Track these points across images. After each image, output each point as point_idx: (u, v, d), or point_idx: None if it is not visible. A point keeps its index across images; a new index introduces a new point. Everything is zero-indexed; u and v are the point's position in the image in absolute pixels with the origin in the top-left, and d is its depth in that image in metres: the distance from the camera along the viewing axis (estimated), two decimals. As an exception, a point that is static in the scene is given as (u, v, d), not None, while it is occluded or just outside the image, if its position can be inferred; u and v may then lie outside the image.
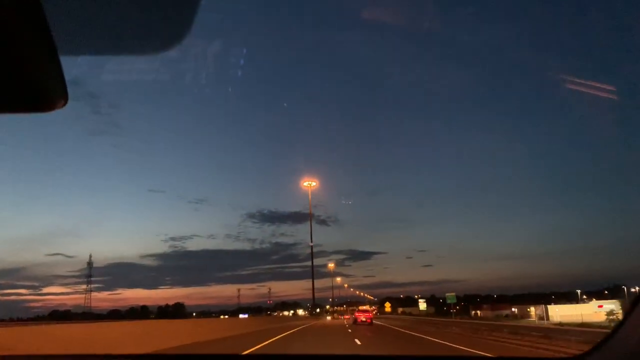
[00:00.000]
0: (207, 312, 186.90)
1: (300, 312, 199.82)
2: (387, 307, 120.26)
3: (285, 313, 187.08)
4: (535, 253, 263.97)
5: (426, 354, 4.17)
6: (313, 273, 55.13)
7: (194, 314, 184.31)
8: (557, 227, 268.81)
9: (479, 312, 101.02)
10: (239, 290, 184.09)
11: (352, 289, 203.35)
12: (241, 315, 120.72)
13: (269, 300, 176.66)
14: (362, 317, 38.31)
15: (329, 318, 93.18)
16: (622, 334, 1.36)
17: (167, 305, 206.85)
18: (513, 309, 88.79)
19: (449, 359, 2.41)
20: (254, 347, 15.02)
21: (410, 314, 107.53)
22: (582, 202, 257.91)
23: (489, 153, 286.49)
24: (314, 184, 59.46)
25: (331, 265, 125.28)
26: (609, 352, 1.40)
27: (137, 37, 1.19)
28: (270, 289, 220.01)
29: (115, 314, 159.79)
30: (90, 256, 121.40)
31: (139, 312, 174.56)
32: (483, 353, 11.08)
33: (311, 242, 52.76)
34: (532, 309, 73.74)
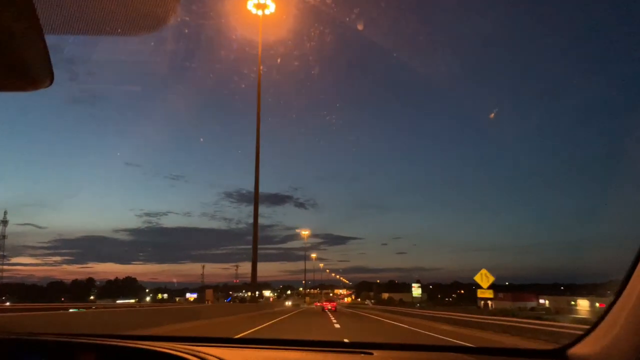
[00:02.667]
0: (163, 289, 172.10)
1: (269, 293, 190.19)
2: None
3: (249, 293, 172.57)
4: (510, 245, 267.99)
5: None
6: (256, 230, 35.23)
7: (147, 289, 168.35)
8: (530, 220, 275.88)
9: (490, 302, 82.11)
10: (203, 267, 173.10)
11: (328, 270, 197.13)
12: (189, 295, 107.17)
13: (236, 280, 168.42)
14: (328, 306, 44.44)
15: (288, 304, 73.61)
16: (603, 327, 1.37)
17: (116, 279, 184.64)
18: (542, 300, 69.70)
19: (432, 347, 1.78)
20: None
21: (401, 302, 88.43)
22: (559, 195, 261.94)
23: (466, 144, 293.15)
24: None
25: (305, 234, 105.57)
26: (590, 345, 1.40)
27: (123, 17, 1.16)
28: (237, 267, 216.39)
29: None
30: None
31: (84, 285, 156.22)
32: (465, 343, 11.54)
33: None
34: (581, 302, 53.58)
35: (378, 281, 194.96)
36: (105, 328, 10.90)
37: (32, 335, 1.76)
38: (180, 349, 1.46)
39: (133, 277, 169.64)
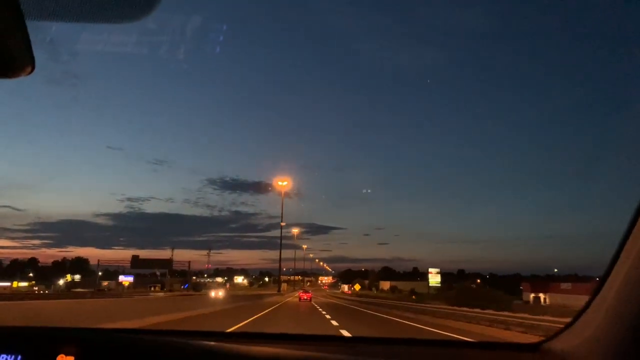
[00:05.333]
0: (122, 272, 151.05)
1: (241, 280, 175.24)
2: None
3: (219, 280, 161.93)
4: (490, 238, 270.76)
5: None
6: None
7: (100, 273, 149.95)
8: (513, 213, 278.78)
9: (531, 295, 60.97)
10: (172, 250, 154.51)
11: (311, 255, 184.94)
12: (122, 278, 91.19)
13: (208, 265, 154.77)
14: (304, 296, 45.93)
15: (219, 295, 50.93)
16: (584, 319, 1.37)
17: (64, 260, 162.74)
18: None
19: (411, 341, 1.92)
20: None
21: (414, 293, 66.65)
22: (542, 189, 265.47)
23: (450, 137, 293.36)
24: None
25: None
26: (570, 337, 1.40)
27: (107, 4, 1.15)
28: (209, 251, 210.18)
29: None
30: None
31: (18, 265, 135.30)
32: (465, 338, 10.95)
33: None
34: None
35: (363, 269, 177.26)
36: None
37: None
38: (165, 341, 1.44)
39: (85, 257, 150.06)
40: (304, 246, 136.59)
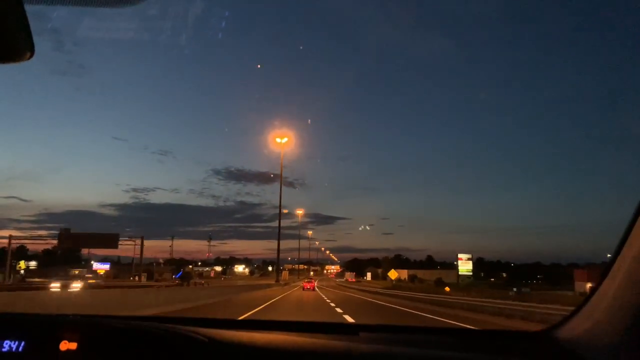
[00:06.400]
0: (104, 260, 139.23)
1: (242, 269, 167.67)
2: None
3: (217, 268, 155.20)
4: (496, 227, 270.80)
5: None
6: None
7: (84, 262, 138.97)
8: (517, 203, 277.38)
9: (588, 284, 51.01)
10: (172, 238, 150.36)
11: (317, 243, 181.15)
12: (97, 265, 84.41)
13: (209, 254, 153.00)
14: (307, 286, 45.54)
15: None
16: (589, 307, 1.37)
17: (54, 248, 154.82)
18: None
19: (417, 329, 1.94)
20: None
21: (442, 283, 55.06)
22: (542, 180, 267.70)
23: (455, 127, 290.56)
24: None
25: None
26: (574, 325, 1.41)
27: None
28: (210, 239, 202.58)
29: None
30: None
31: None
32: (467, 325, 11.48)
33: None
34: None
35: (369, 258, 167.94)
36: None
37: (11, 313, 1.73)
38: (172, 329, 1.44)
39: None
40: (309, 232, 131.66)
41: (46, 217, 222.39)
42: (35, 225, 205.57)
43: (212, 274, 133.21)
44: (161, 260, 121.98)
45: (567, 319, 1.48)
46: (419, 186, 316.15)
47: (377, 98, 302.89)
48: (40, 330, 1.46)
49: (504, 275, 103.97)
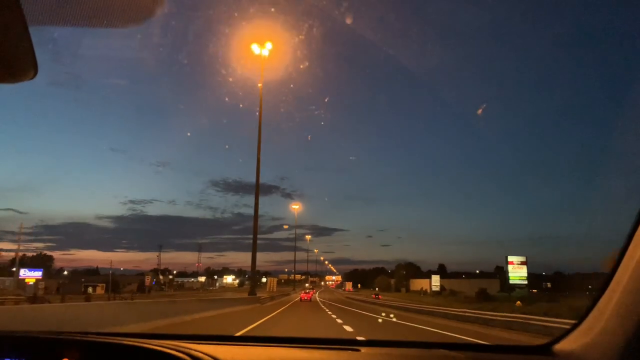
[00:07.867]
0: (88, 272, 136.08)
1: (231, 279, 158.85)
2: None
3: (201, 279, 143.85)
4: (495, 239, 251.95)
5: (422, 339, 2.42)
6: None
7: (65, 272, 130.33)
8: (517, 213, 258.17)
9: None
10: (160, 248, 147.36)
11: (315, 250, 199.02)
12: (27, 273, 67.02)
13: (198, 264, 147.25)
14: (304, 297, 46.06)
15: None
16: (590, 321, 1.36)
17: (24, 256, 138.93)
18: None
19: (420, 344, 1.93)
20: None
21: (486, 296, 39.91)
22: (541, 189, 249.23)
23: (452, 137, 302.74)
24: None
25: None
26: (576, 339, 1.40)
27: (108, 8, 1.14)
28: (200, 247, 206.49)
29: None
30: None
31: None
32: (478, 340, 11.45)
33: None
34: None
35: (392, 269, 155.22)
36: None
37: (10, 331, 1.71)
38: (170, 346, 1.44)
39: (49, 254, 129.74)
40: (308, 237, 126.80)
41: (42, 230, 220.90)
42: (32, 238, 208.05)
43: (198, 285, 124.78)
44: (146, 272, 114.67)
45: (569, 331, 1.46)
46: (418, 198, 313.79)
47: (374, 110, 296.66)
48: (41, 348, 1.45)
49: (549, 285, 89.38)
